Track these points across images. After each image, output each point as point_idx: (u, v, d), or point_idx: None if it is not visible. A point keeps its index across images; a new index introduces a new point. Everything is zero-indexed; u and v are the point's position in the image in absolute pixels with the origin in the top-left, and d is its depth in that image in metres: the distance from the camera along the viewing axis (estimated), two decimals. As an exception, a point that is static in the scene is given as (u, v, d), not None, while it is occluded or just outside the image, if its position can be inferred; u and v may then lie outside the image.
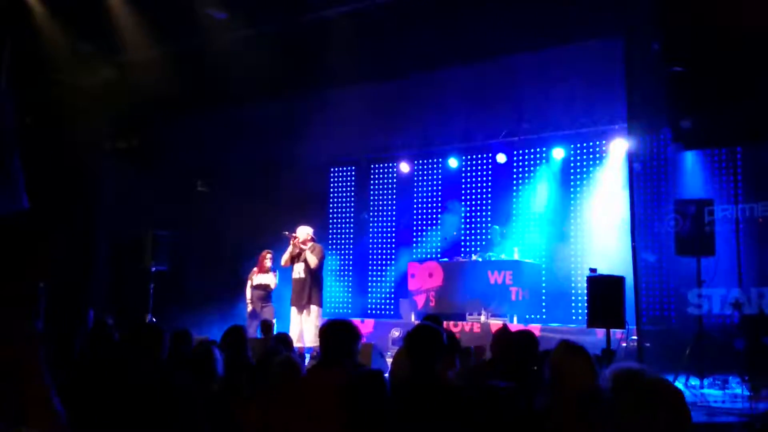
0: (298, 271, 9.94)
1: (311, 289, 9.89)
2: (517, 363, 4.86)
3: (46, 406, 2.03)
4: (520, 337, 4.98)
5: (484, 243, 12.99)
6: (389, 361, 7.96)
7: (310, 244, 10.03)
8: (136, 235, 12.33)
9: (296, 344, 8.67)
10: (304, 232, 10.08)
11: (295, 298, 9.93)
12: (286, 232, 10.08)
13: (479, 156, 13.50)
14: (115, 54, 11.66)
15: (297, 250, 9.99)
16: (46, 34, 11.03)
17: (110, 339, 5.63)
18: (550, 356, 3.59)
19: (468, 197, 13.58)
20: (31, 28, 10.91)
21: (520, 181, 13.02)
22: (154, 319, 11.27)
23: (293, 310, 9.96)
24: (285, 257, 10.05)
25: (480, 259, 12.00)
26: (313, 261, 9.84)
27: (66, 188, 11.75)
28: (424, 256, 13.43)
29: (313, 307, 9.84)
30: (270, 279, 10.80)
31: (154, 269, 12.12)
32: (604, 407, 3.12)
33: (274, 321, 10.00)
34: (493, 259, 11.82)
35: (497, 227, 12.64)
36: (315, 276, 9.98)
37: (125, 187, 12.67)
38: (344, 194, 15.18)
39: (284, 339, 6.48)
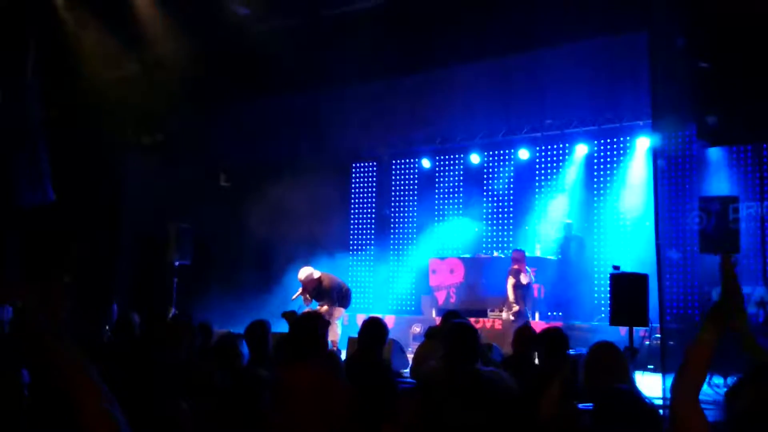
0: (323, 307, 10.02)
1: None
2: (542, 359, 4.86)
3: (98, 412, 1.97)
4: (546, 334, 4.98)
5: (506, 239, 12.95)
6: (410, 356, 7.97)
7: (321, 285, 10.01)
8: (160, 229, 12.42)
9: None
10: (303, 274, 10.09)
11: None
12: (293, 298, 10.11)
13: (501, 152, 13.45)
14: (139, 49, 11.74)
15: (312, 296, 10.04)
16: (72, 29, 11.13)
17: (133, 333, 5.68)
18: (586, 354, 3.59)
19: (490, 193, 13.53)
20: (57, 22, 11.03)
21: (543, 177, 12.95)
22: (176, 312, 11.35)
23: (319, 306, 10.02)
24: (304, 302, 10.09)
25: (502, 256, 11.95)
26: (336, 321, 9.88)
27: (91, 182, 11.87)
28: (445, 252, 13.41)
29: (336, 308, 9.91)
30: None
31: (177, 263, 12.20)
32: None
33: None
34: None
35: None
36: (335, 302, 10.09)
37: (149, 181, 12.77)
38: (366, 190, 15.19)
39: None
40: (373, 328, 4.95)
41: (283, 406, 3.75)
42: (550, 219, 12.56)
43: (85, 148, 11.70)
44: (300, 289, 10.01)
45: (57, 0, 10.93)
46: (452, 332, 4.24)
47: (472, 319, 10.29)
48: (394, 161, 14.77)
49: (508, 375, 4.33)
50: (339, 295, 9.98)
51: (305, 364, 3.99)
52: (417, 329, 11.23)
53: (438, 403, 3.07)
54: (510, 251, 11.94)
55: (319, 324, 4.28)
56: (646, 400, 2.77)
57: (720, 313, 2.59)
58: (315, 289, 9.92)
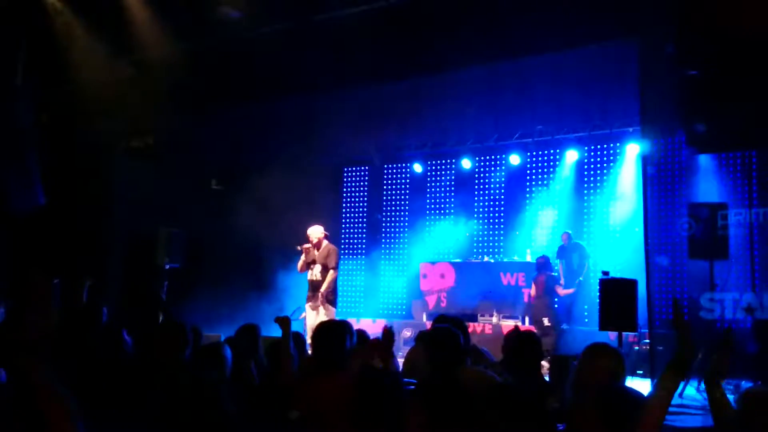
0: (315, 273, 9.86)
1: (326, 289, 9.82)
2: (528, 364, 4.88)
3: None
4: (527, 338, 4.99)
5: (497, 244, 12.97)
6: (401, 361, 7.98)
7: (324, 243, 9.90)
8: (151, 232, 12.38)
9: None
10: (316, 232, 9.94)
11: (311, 296, 9.90)
12: (298, 247, 9.98)
13: (493, 157, 13.50)
14: (130, 52, 11.73)
15: (311, 258, 9.89)
16: (62, 33, 11.12)
17: (122, 338, 5.65)
18: (581, 355, 3.59)
19: (481, 198, 13.57)
20: (47, 26, 11.01)
21: (534, 183, 13.01)
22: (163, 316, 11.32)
23: (307, 307, 9.94)
24: (300, 265, 9.96)
25: (492, 260, 11.99)
26: (332, 263, 9.71)
27: (81, 186, 11.83)
28: (436, 256, 13.43)
29: (328, 306, 9.83)
30: None
31: (167, 266, 12.17)
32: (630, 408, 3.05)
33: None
34: (505, 260, 11.82)
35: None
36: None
37: (140, 184, 12.74)
38: (357, 194, 15.21)
39: (297, 338, 6.48)
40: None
41: (311, 419, 3.75)
42: (542, 225, 12.61)
43: (76, 151, 11.67)
44: (304, 247, 9.82)
45: (48, 3, 10.90)
46: (431, 337, 4.38)
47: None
48: (385, 166, 14.80)
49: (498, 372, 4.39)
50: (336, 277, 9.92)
51: (333, 376, 3.98)
52: (408, 333, 11.25)
53: (425, 406, 3.11)
54: (501, 256, 11.99)
55: (346, 334, 4.30)
56: (639, 395, 2.79)
57: (680, 364, 2.63)
58: (317, 249, 9.78)
